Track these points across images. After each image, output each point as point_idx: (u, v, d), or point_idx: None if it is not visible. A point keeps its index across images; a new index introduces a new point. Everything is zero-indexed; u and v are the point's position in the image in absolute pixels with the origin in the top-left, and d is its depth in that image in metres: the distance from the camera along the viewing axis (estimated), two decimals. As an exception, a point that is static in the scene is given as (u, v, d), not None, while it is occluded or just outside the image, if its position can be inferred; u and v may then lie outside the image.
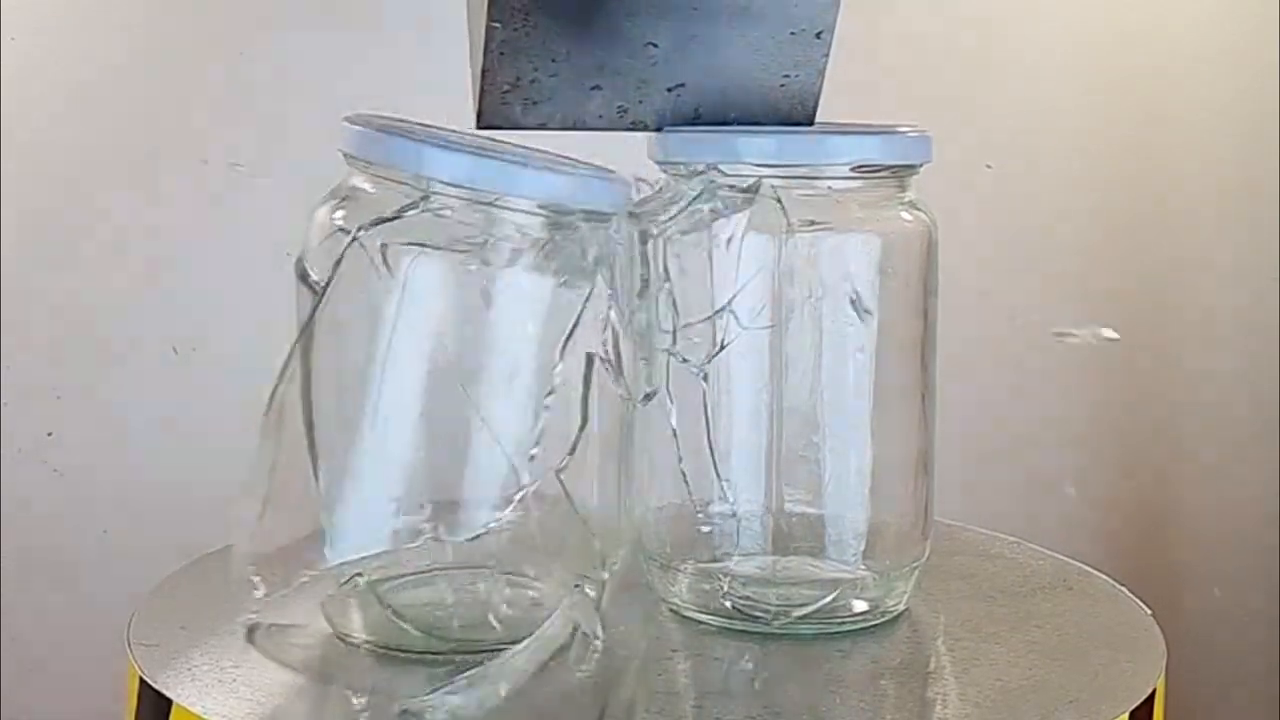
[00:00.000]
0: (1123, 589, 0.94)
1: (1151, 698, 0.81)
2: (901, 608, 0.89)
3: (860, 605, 0.88)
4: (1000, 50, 1.45)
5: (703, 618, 0.87)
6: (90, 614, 1.23)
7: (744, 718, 0.75)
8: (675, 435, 0.85)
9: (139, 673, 0.81)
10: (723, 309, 0.83)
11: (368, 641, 0.82)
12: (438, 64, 1.08)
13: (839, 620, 0.87)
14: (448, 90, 0.91)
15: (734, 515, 0.87)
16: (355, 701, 0.76)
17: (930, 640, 0.87)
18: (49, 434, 1.31)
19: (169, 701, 0.78)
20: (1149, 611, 0.92)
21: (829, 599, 0.87)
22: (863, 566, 0.89)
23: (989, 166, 1.45)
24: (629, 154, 1.08)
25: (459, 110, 0.86)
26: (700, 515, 0.87)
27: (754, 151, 0.83)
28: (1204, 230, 1.48)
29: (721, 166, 0.82)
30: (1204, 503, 1.50)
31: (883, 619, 0.88)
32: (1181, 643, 0.90)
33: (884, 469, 0.89)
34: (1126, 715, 0.79)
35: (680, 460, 0.86)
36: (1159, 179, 1.48)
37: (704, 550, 0.88)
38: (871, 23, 1.27)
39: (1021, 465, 1.47)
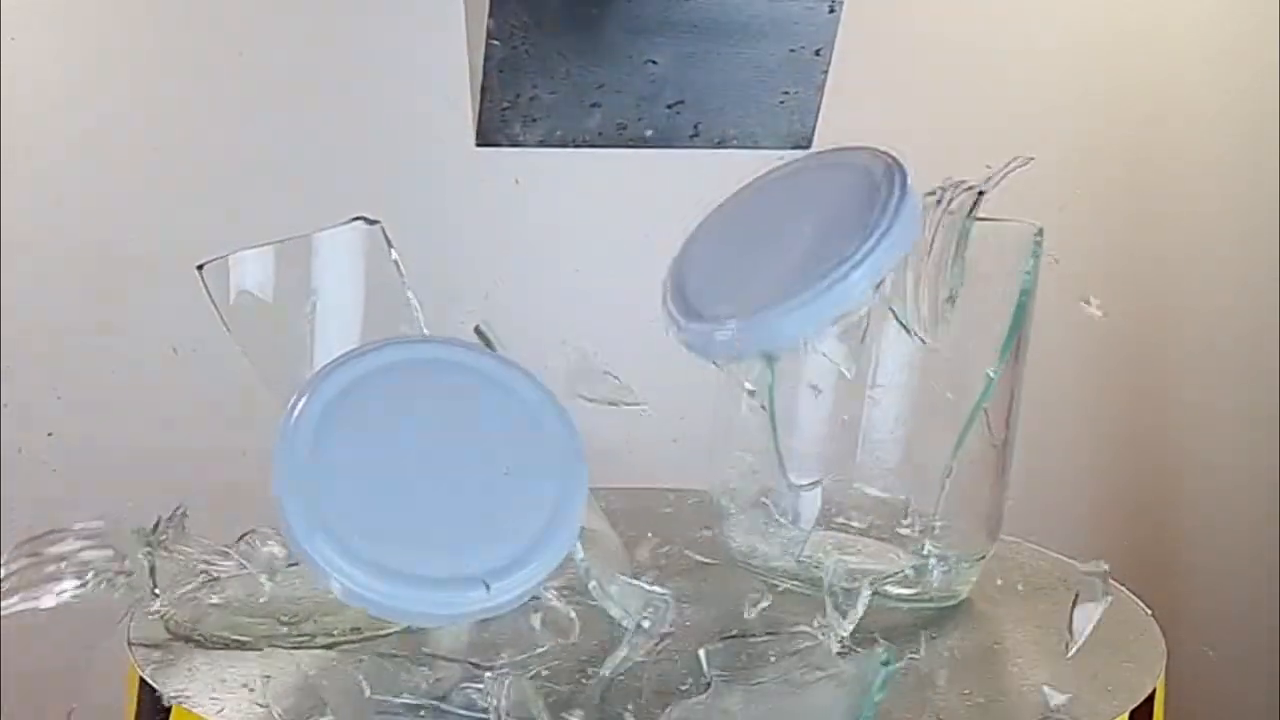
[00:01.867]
0: (1123, 589, 0.94)
1: (1151, 698, 0.81)
2: (962, 597, 0.91)
3: (912, 590, 0.90)
4: (1000, 50, 1.45)
5: (778, 581, 0.90)
6: (90, 614, 1.23)
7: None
8: (771, 415, 0.88)
9: (139, 673, 0.81)
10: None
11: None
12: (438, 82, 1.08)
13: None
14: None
15: (813, 490, 0.89)
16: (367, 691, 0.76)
17: (930, 640, 0.87)
18: (49, 434, 1.31)
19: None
20: (1149, 612, 0.92)
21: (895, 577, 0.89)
22: (932, 551, 0.90)
23: (989, 166, 1.45)
24: (627, 172, 1.09)
25: (460, 127, 0.86)
26: (784, 487, 0.89)
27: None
28: (1204, 230, 1.48)
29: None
30: (1204, 503, 1.50)
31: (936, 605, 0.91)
32: (1181, 643, 0.90)
33: (964, 460, 0.90)
34: (1126, 715, 0.79)
35: (774, 436, 0.88)
36: (1159, 179, 1.48)
37: (785, 520, 0.90)
38: (872, 24, 1.27)
39: (1021, 465, 1.47)
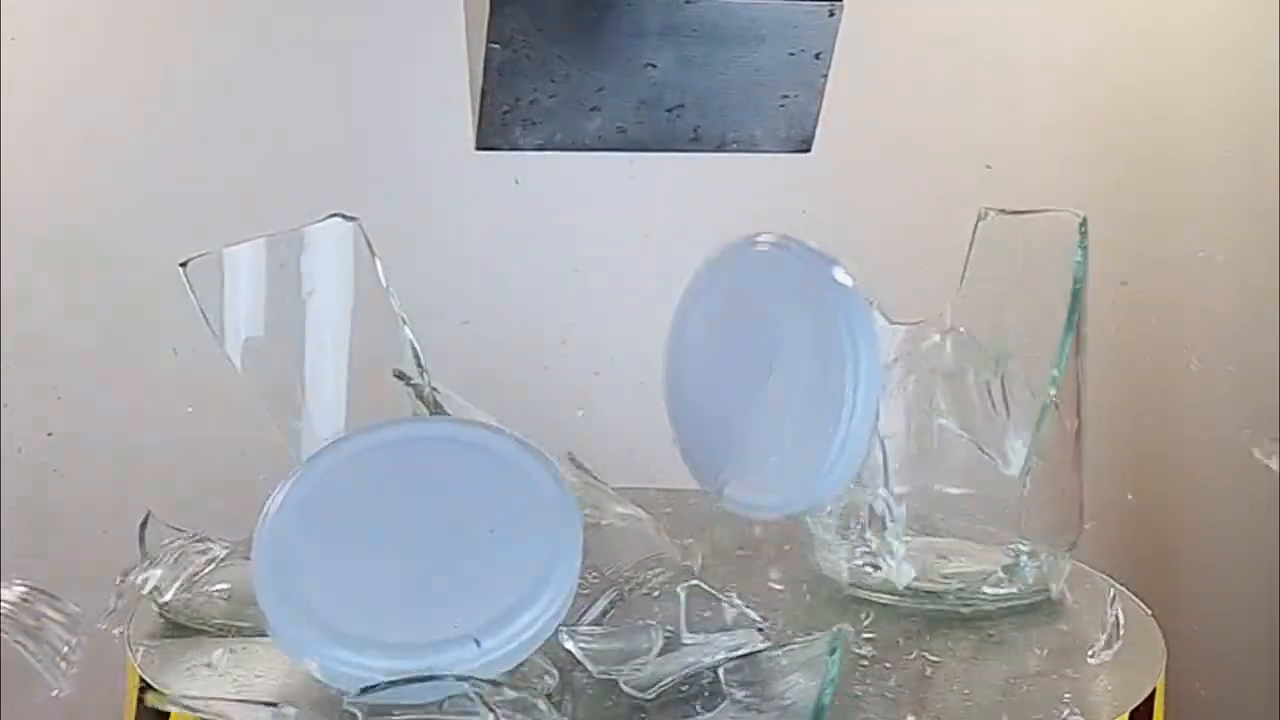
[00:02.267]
0: (1123, 589, 0.94)
1: (1151, 698, 0.81)
2: (1057, 589, 0.92)
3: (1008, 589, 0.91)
4: (1000, 53, 1.45)
5: (863, 594, 0.91)
6: (90, 614, 1.23)
7: None
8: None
9: (139, 673, 0.81)
10: None
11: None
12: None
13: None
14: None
15: (898, 498, 0.90)
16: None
17: (930, 639, 0.87)
18: (49, 434, 1.31)
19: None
20: (1149, 612, 0.92)
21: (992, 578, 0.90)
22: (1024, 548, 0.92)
23: (989, 167, 1.45)
24: (628, 176, 1.09)
25: (460, 128, 0.86)
26: (867, 496, 0.90)
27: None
28: (1204, 230, 1.48)
29: None
30: (1204, 503, 1.50)
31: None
32: (1181, 643, 0.90)
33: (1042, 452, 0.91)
34: (1126, 715, 0.79)
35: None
36: (1159, 179, 1.48)
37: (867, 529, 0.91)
38: (872, 28, 1.27)
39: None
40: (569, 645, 0.78)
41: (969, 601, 0.90)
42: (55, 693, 0.83)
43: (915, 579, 0.90)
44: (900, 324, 0.91)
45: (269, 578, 0.76)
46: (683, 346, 0.93)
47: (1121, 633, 0.84)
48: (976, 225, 0.91)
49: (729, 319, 0.90)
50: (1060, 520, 0.92)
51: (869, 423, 0.83)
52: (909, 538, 0.90)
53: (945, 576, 0.90)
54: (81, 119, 1.29)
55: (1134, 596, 0.94)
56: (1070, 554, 0.93)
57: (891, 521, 0.88)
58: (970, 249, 0.91)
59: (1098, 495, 1.51)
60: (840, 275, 0.85)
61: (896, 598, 0.90)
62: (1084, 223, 0.90)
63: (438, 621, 0.74)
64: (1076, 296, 0.89)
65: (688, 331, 0.92)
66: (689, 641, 0.80)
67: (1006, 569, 0.91)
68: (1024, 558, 0.91)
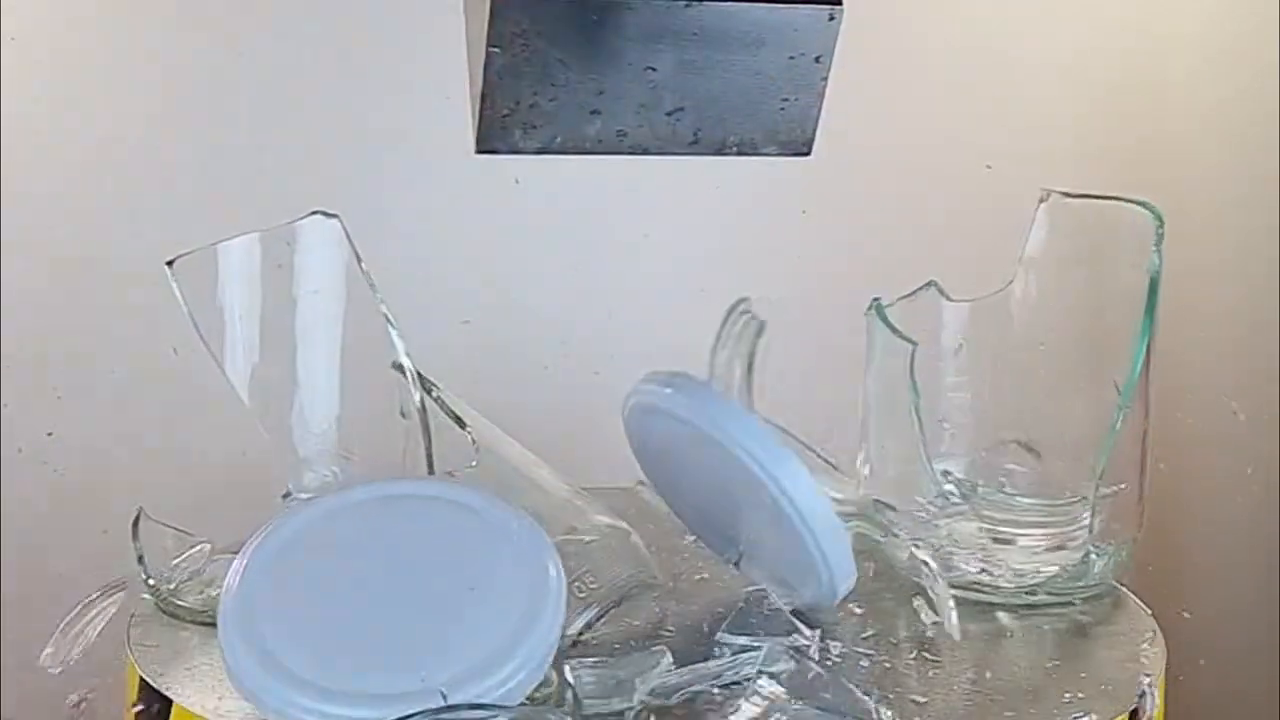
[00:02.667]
0: (1123, 589, 0.94)
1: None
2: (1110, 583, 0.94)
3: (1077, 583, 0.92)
4: (1000, 54, 1.45)
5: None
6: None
7: None
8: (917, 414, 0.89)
9: (139, 673, 0.81)
10: None
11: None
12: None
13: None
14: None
15: (961, 487, 0.92)
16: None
17: (928, 640, 0.87)
18: (49, 434, 1.31)
19: (169, 701, 0.78)
20: (1149, 611, 0.92)
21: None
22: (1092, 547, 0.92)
23: (989, 167, 1.44)
24: (628, 178, 1.09)
25: (459, 130, 0.86)
26: (931, 486, 0.91)
27: None
28: (1204, 230, 1.48)
29: None
30: (1204, 502, 1.50)
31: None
32: (1181, 643, 0.90)
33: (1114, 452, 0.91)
34: (1126, 715, 0.79)
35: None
36: (1159, 179, 1.48)
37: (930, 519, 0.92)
38: (872, 31, 1.27)
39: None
40: (569, 678, 0.78)
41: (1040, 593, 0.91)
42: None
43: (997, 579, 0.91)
44: (963, 301, 0.92)
45: (235, 629, 0.76)
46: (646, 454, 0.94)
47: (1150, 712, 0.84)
48: (1038, 207, 0.91)
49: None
50: (1127, 516, 0.93)
51: (828, 518, 0.83)
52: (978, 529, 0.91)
53: (1017, 574, 0.91)
54: (82, 119, 1.29)
55: (1134, 596, 0.94)
56: (1133, 546, 0.94)
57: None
58: (1030, 229, 0.91)
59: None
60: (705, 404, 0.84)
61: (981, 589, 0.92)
62: (1159, 218, 0.90)
63: (405, 674, 0.74)
64: (1153, 293, 0.90)
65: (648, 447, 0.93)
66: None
67: (1077, 564, 0.92)
68: (1094, 555, 0.92)
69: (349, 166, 1.33)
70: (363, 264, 0.90)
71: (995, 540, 0.92)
